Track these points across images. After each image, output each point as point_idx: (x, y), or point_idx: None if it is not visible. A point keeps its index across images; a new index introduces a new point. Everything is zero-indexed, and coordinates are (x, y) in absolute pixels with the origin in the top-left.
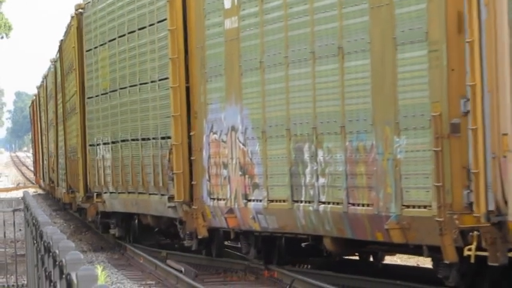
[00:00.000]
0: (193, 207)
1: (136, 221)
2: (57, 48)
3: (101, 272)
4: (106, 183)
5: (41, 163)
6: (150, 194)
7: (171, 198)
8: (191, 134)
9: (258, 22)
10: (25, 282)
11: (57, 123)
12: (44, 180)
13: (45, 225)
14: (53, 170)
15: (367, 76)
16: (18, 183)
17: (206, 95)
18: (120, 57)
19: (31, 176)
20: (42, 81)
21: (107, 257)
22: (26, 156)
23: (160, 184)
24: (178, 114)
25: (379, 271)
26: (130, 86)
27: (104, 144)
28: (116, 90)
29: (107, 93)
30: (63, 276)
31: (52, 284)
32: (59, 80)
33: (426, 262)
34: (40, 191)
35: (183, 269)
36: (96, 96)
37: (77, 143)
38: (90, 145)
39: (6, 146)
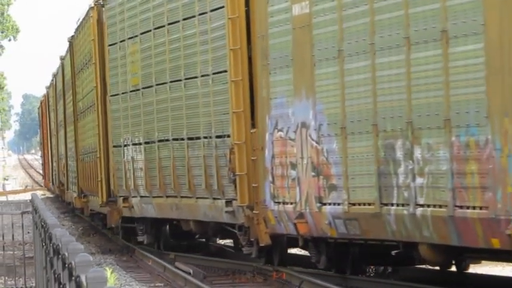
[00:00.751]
0: (254, 211)
1: (167, 227)
2: (67, 45)
3: (110, 274)
4: (136, 187)
5: (50, 165)
6: (197, 197)
7: (228, 202)
8: (252, 131)
9: (334, 6)
10: (34, 284)
11: (65, 124)
12: (53, 183)
13: (54, 227)
14: (64, 173)
15: (480, 62)
16: (26, 186)
17: (269, 89)
18: (157, 51)
19: (39, 178)
20: (52, 80)
21: (115, 259)
22: (34, 158)
23: (215, 187)
24: (241, 111)
25: (390, 274)
26: (172, 82)
27: (134, 144)
28: (150, 87)
29: (137, 90)
30: (73, 278)
31: (61, 286)
32: (67, 77)
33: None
34: (48, 194)
35: (191, 271)
36: (123, 93)
37: (97, 143)
38: (115, 146)
39: (14, 148)
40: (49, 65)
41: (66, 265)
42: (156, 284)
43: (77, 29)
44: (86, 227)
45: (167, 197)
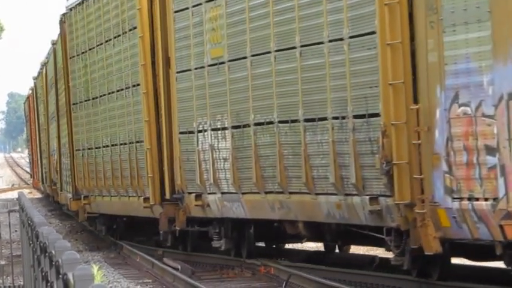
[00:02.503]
0: (417, 211)
1: (252, 230)
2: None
3: (97, 272)
4: (216, 181)
5: (39, 163)
6: (317, 193)
7: (373, 199)
8: (412, 108)
9: None
10: (21, 283)
11: (58, 116)
12: (43, 182)
13: (41, 225)
14: (57, 171)
15: None
16: (13, 184)
17: (442, 52)
18: (255, 14)
19: (26, 177)
20: (41, 69)
21: (103, 256)
22: (21, 156)
23: (352, 180)
24: (401, 82)
25: (378, 266)
26: (279, 51)
27: (215, 130)
28: (241, 59)
29: (222, 63)
30: (60, 276)
31: (49, 284)
32: (60, 64)
33: None
34: (37, 195)
35: (179, 267)
36: (198, 68)
37: (146, 131)
38: (184, 132)
39: (0, 147)
40: (35, 63)
41: (54, 263)
42: (144, 281)
43: (69, 7)
44: (73, 224)
45: (266, 193)
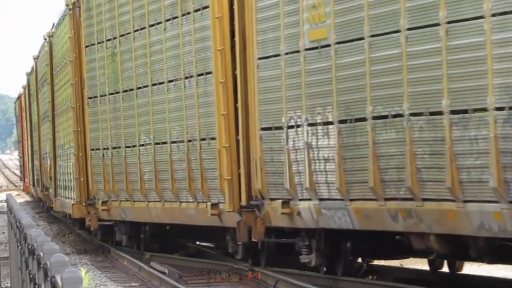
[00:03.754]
0: None
1: (348, 244)
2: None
3: (85, 274)
4: (313, 185)
5: (29, 166)
6: (466, 201)
7: None
8: None
9: None
10: (9, 285)
11: (53, 116)
12: (34, 185)
13: (29, 227)
14: (50, 176)
15: None
16: (1, 186)
17: None
18: None
19: (14, 179)
20: (34, 65)
21: (90, 259)
22: (9, 158)
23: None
24: None
25: (365, 273)
26: (411, 29)
27: (314, 125)
28: (356, 40)
29: (327, 46)
30: (48, 278)
31: (36, 286)
32: (58, 58)
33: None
34: (25, 197)
35: (166, 271)
36: (290, 53)
37: (221, 127)
38: (266, 129)
39: None
40: (26, 64)
41: (42, 265)
42: (132, 284)
43: None
44: (61, 227)
45: (387, 199)
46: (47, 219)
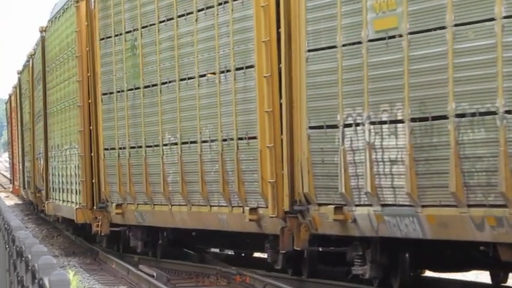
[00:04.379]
0: None
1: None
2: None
3: (73, 277)
4: (375, 190)
5: (20, 167)
6: None
7: None
8: None
9: None
10: None
11: (46, 114)
12: (24, 188)
13: (17, 230)
14: (43, 176)
15: None
16: None
17: None
18: None
19: (3, 181)
20: (27, 62)
21: (79, 261)
22: None
23: None
24: None
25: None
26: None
27: (378, 123)
28: (437, 29)
29: (394, 36)
30: (36, 281)
31: None
32: (53, 53)
33: None
34: (14, 199)
35: (155, 274)
36: (353, 44)
37: (269, 124)
38: (315, 127)
39: None
40: (14, 67)
41: (30, 268)
42: (120, 287)
43: None
44: (49, 229)
45: (471, 206)
46: (35, 222)
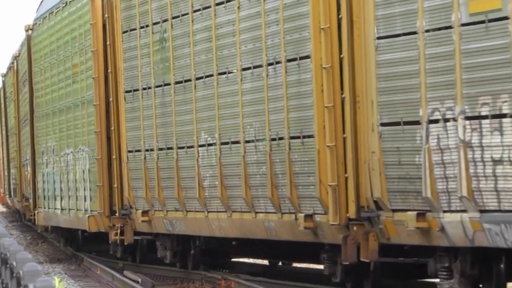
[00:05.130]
0: None
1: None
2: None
3: (58, 283)
4: (471, 193)
5: (5, 174)
6: None
7: None
8: None
9: None
10: None
11: (32, 119)
12: (10, 196)
13: (1, 237)
14: (30, 185)
15: None
16: None
17: None
18: None
19: None
20: (12, 64)
21: (63, 268)
22: None
23: None
24: None
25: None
26: None
27: (474, 118)
28: None
29: (499, 19)
30: (21, 287)
31: None
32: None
33: None
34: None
35: (139, 280)
36: (440, 29)
37: (329, 120)
38: (388, 124)
39: None
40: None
41: (14, 274)
42: None
43: None
44: (34, 236)
45: None
46: (20, 228)
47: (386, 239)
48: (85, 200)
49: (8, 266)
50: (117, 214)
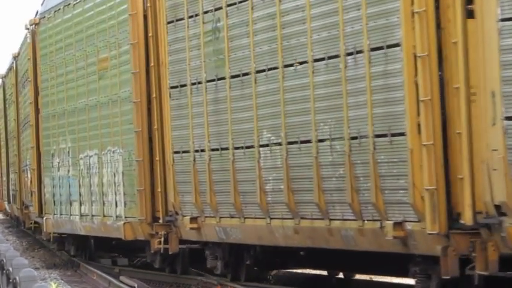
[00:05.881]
0: None
1: None
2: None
3: None
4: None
5: (3, 180)
6: None
7: None
8: None
9: None
10: None
11: (37, 120)
12: (10, 203)
13: None
14: (31, 191)
15: None
16: None
17: None
18: None
19: None
20: (12, 64)
21: (60, 273)
22: None
23: None
24: None
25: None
26: None
27: None
28: None
29: None
30: None
31: None
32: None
33: None
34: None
35: (136, 285)
36: None
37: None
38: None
39: None
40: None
41: (11, 280)
42: None
43: None
44: (30, 242)
45: None
46: (16, 234)
47: (510, 248)
48: (116, 206)
49: (4, 271)
50: (160, 221)
